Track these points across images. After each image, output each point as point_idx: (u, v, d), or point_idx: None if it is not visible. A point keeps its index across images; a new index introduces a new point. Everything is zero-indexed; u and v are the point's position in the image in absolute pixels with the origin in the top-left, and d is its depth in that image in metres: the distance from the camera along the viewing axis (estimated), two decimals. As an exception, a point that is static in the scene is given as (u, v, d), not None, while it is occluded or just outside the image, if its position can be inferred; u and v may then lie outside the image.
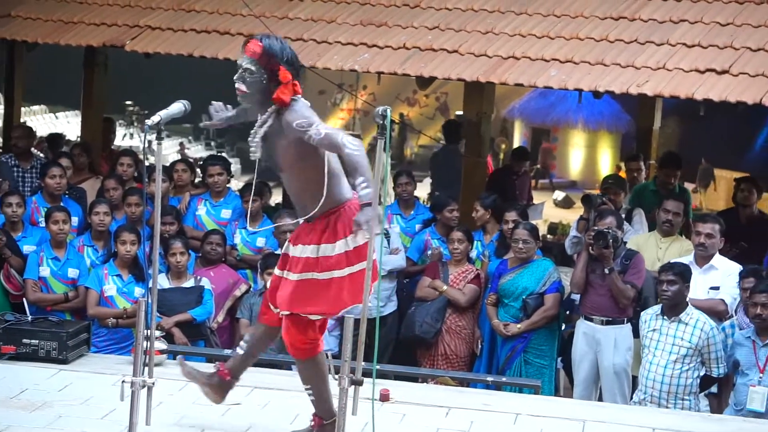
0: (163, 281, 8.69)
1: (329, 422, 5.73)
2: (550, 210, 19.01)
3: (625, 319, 8.48)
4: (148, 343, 5.35)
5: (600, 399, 8.54)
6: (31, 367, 7.03)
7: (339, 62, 10.27)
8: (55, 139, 13.71)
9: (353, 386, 5.29)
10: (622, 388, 8.45)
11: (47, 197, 9.87)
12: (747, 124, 22.12)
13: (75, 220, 9.55)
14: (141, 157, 11.01)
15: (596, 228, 8.53)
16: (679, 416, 7.27)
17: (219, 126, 5.97)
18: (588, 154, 27.78)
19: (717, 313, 8.24)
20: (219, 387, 5.94)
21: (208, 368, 6.18)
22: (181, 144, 26.17)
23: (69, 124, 25.20)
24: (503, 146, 26.26)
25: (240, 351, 5.95)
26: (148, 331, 5.33)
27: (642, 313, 8.04)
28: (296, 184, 5.66)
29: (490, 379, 8.30)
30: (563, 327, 9.18)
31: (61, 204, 9.58)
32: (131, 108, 27.62)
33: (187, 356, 8.14)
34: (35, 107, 26.25)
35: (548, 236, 15.46)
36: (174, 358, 7.73)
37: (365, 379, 5.41)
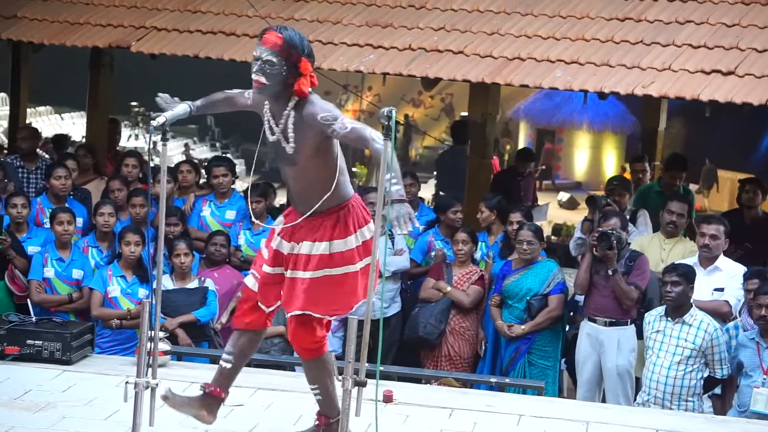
0: (167, 282, 8.67)
1: (335, 421, 5.70)
2: (554, 211, 19.00)
3: (629, 320, 8.47)
4: (152, 344, 5.35)
5: (603, 400, 8.54)
6: (34, 368, 7.04)
7: (345, 63, 10.27)
8: (61, 140, 13.71)
9: (357, 387, 5.28)
10: (625, 389, 8.44)
11: (52, 198, 9.87)
12: (753, 125, 22.04)
13: (80, 221, 9.54)
14: (146, 158, 11.02)
15: (600, 229, 8.52)
16: (682, 418, 7.28)
17: (180, 117, 5.63)
18: (593, 155, 27.73)
19: (721, 314, 8.23)
20: (213, 406, 5.83)
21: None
22: (186, 145, 26.20)
23: (74, 125, 25.20)
24: (508, 147, 26.23)
25: (226, 365, 5.82)
26: (152, 332, 5.34)
27: (646, 315, 8.03)
28: (306, 178, 5.53)
29: (493, 380, 8.29)
30: (567, 328, 9.16)
31: (66, 205, 9.58)
32: (137, 109, 27.64)
33: (191, 357, 8.19)
34: (41, 108, 26.31)
35: (552, 237, 15.49)
36: (178, 359, 7.75)
37: (369, 381, 5.41)
